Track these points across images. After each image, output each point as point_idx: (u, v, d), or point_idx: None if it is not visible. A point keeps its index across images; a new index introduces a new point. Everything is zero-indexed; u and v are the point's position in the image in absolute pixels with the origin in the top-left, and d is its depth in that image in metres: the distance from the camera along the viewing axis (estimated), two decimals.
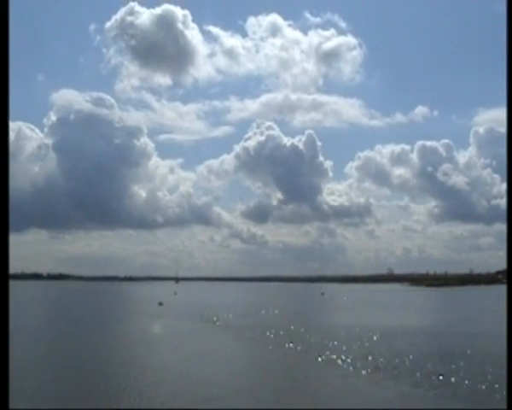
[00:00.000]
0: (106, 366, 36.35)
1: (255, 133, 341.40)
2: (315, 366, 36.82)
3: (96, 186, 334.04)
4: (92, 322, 69.20)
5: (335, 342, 46.21)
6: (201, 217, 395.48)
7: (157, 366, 37.01)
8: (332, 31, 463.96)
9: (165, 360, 39.57)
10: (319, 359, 38.86)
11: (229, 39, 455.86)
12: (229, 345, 48.53)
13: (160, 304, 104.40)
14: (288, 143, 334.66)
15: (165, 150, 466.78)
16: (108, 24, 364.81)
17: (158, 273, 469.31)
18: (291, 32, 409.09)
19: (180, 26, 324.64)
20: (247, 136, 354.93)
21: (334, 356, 39.28)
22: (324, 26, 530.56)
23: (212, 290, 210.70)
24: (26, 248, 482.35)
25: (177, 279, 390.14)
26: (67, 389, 29.84)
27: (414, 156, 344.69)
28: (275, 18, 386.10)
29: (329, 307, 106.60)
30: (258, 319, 70.94)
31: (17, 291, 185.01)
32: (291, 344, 45.65)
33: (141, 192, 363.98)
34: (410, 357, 38.56)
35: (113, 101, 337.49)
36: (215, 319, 71.03)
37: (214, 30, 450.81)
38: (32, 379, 31.73)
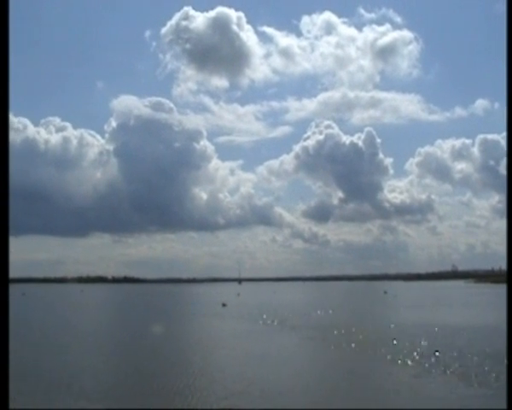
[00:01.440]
0: (168, 366, 36.98)
1: (314, 132, 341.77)
2: (382, 365, 36.47)
3: (158, 190, 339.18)
4: (157, 323, 70.24)
5: (400, 341, 45.90)
6: (263, 218, 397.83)
7: (219, 366, 37.57)
8: (387, 26, 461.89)
9: (228, 360, 40.03)
10: (386, 358, 38.62)
11: (284, 39, 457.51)
12: (290, 345, 48.65)
13: (224, 305, 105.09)
14: (348, 142, 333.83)
15: (225, 152, 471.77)
16: (164, 30, 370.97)
17: (220, 275, 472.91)
18: (346, 29, 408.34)
19: (235, 27, 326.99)
20: (306, 135, 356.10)
21: (401, 355, 38.94)
22: (379, 22, 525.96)
23: (275, 291, 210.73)
24: (90, 252, 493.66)
25: (239, 280, 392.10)
26: (130, 388, 30.55)
27: (475, 150, 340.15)
28: (329, 16, 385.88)
29: (392, 306, 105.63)
30: (321, 319, 70.93)
31: (84, 294, 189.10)
32: (353, 344, 45.59)
33: (202, 194, 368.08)
34: (479, 356, 37.99)
35: (172, 105, 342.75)
36: (277, 319, 71.23)
37: (269, 30, 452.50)
38: (95, 379, 32.59)
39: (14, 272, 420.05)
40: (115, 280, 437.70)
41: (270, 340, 51.86)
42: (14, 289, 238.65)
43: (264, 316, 76.10)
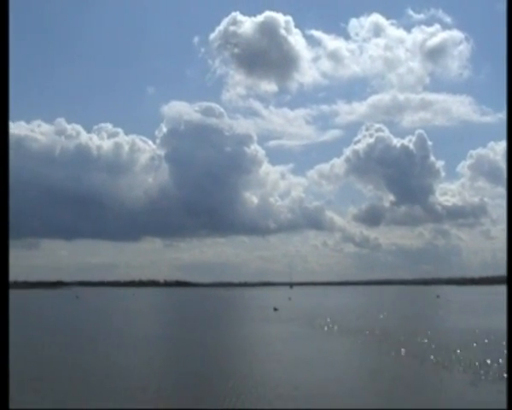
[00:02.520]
0: (218, 369, 37.04)
1: (364, 136, 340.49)
2: (433, 371, 35.80)
3: (209, 194, 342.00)
4: (209, 327, 70.60)
5: (453, 346, 45.21)
6: (314, 221, 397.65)
7: (267, 370, 37.57)
8: (436, 26, 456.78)
9: (276, 364, 39.79)
10: (437, 363, 38.04)
11: (333, 42, 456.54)
12: (340, 350, 48.48)
13: (275, 309, 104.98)
14: (398, 145, 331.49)
15: (276, 156, 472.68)
16: (212, 35, 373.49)
17: (272, 279, 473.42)
18: (394, 31, 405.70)
19: (283, 31, 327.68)
20: (356, 139, 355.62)
21: (453, 361, 38.38)
22: (428, 22, 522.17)
23: (327, 295, 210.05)
24: (141, 257, 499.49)
25: (291, 284, 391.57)
26: (182, 389, 30.75)
27: None
28: (377, 18, 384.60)
29: (445, 310, 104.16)
30: (372, 323, 70.34)
31: (136, 298, 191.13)
32: (404, 349, 45.08)
33: (253, 198, 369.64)
34: None
35: (222, 110, 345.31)
36: (329, 323, 70.95)
37: (317, 34, 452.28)
38: (149, 380, 32.91)
39: (67, 276, 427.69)
40: (167, 284, 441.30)
41: (320, 344, 51.66)
42: (67, 292, 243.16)
43: (316, 320, 75.84)
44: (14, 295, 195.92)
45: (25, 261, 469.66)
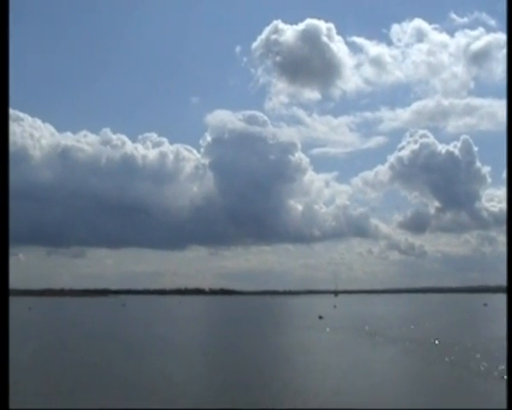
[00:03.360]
0: (261, 378, 37.10)
1: (409, 142, 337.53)
2: (477, 382, 35.35)
3: (253, 202, 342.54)
4: (254, 335, 70.73)
5: (501, 357, 44.53)
6: (358, 229, 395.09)
7: (310, 377, 37.81)
8: (480, 30, 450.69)
9: (320, 372, 39.83)
10: (483, 374, 37.51)
11: (375, 48, 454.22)
12: (384, 358, 48.12)
13: (320, 317, 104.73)
14: (443, 150, 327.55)
15: (320, 164, 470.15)
16: (254, 44, 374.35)
17: (316, 287, 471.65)
18: (437, 36, 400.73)
19: (325, 39, 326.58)
20: (400, 145, 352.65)
21: (502, 372, 37.67)
22: (472, 26, 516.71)
23: (372, 303, 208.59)
24: (187, 265, 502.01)
25: (336, 292, 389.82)
26: (227, 393, 31.02)
27: None
28: (419, 23, 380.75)
29: (493, 319, 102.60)
30: (417, 332, 69.75)
31: (181, 306, 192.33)
32: (447, 358, 44.60)
33: (297, 206, 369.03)
34: None
35: (266, 118, 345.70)
36: (374, 331, 70.55)
37: (359, 40, 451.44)
38: (199, 387, 33.20)
39: (114, 284, 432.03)
40: (212, 292, 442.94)
41: (366, 353, 51.47)
42: (114, 301, 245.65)
43: (361, 329, 75.50)
44: (61, 303, 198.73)
45: (71, 270, 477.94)
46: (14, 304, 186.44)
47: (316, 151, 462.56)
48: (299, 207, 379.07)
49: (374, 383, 35.27)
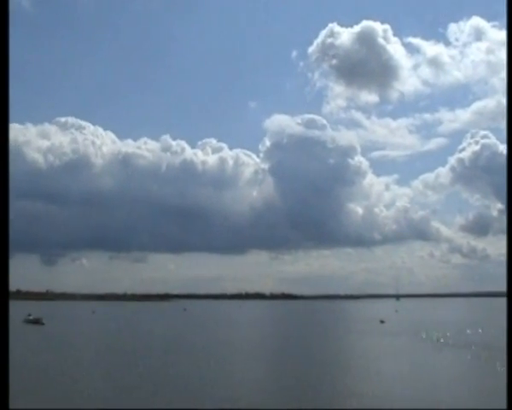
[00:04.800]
0: (322, 384, 36.88)
1: (470, 143, 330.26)
2: None
3: (313, 206, 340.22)
4: (315, 340, 70.43)
5: None
6: (419, 232, 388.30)
7: (369, 381, 37.34)
8: None
9: (378, 376, 39.56)
10: None
11: (432, 49, 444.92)
12: (446, 364, 47.46)
13: (382, 322, 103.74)
14: (506, 151, 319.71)
15: (380, 167, 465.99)
16: (310, 49, 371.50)
17: (378, 291, 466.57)
18: (496, 33, 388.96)
19: (381, 40, 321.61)
20: (461, 147, 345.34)
21: None
22: None
23: (435, 307, 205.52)
24: (247, 269, 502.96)
25: (397, 296, 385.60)
26: (289, 392, 30.93)
27: None
28: (477, 21, 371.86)
29: None
30: (481, 337, 68.31)
31: (242, 310, 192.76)
32: None
33: (357, 210, 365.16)
34: None
35: (324, 122, 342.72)
36: (436, 336, 69.41)
37: (415, 41, 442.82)
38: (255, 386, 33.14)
39: (175, 289, 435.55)
40: (273, 297, 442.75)
41: (427, 357, 50.72)
42: (175, 305, 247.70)
43: (424, 333, 74.35)
44: (123, 307, 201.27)
45: (133, 274, 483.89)
46: (78, 308, 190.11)
47: (375, 154, 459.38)
48: (360, 211, 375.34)
49: (435, 389, 34.70)
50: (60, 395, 32.67)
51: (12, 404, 17.88)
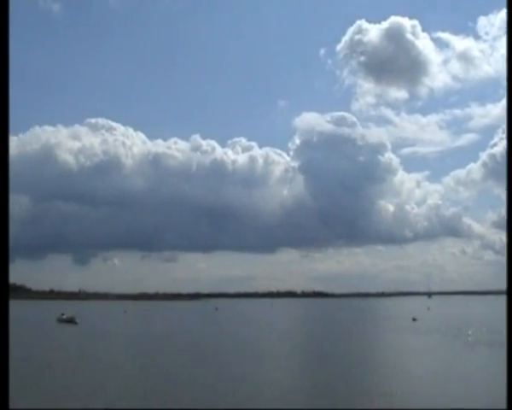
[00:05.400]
0: (355, 384, 36.90)
1: (502, 138, 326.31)
2: None
3: (343, 204, 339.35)
4: (348, 338, 70.30)
5: None
6: (451, 229, 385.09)
7: (399, 380, 37.51)
8: None
9: (412, 373, 39.43)
10: None
11: (462, 43, 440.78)
12: (479, 364, 47.04)
13: (414, 320, 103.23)
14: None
15: (410, 164, 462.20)
16: (338, 46, 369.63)
17: (409, 288, 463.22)
18: None
19: (410, 36, 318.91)
20: (492, 142, 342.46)
21: None
22: None
23: (467, 305, 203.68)
24: (278, 268, 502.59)
25: (429, 294, 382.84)
26: (322, 388, 31.02)
27: None
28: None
29: None
30: None
31: (274, 309, 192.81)
32: None
33: (388, 207, 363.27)
34: None
35: (354, 119, 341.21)
36: (469, 335, 68.91)
37: (444, 35, 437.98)
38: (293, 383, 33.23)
39: (207, 288, 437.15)
40: (304, 295, 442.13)
41: (459, 356, 50.38)
42: (206, 304, 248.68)
43: (457, 332, 73.89)
44: (154, 306, 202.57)
45: (164, 274, 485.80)
46: (110, 307, 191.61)
47: (406, 151, 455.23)
48: (390, 208, 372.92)
49: (465, 388, 34.59)
50: (90, 393, 33.08)
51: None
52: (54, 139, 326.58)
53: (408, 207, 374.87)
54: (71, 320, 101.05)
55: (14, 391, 33.64)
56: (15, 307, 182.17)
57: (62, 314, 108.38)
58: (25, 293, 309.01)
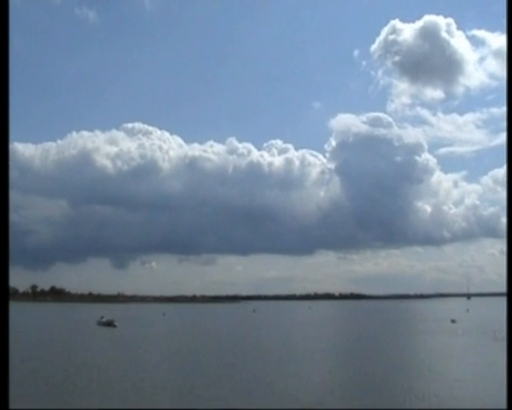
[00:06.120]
0: (395, 385, 36.82)
1: None
2: None
3: (380, 205, 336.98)
4: (387, 339, 70.12)
5: None
6: (490, 229, 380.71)
7: (444, 379, 37.43)
8: None
9: (449, 375, 39.26)
10: None
11: (498, 40, 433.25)
12: None
13: (453, 321, 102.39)
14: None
15: (447, 164, 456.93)
16: (373, 47, 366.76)
17: (448, 290, 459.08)
18: None
19: (444, 35, 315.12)
20: None
21: None
22: None
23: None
24: (316, 270, 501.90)
25: (468, 295, 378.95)
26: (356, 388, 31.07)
27: None
28: None
29: None
30: None
31: (312, 311, 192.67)
32: None
33: (425, 208, 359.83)
34: None
35: (390, 119, 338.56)
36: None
37: (480, 33, 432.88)
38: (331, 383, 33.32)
39: (245, 290, 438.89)
40: (342, 297, 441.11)
41: (497, 358, 49.75)
42: (244, 306, 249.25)
43: (495, 333, 73.01)
44: (192, 309, 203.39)
45: (202, 277, 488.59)
46: (149, 310, 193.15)
47: (443, 151, 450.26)
48: (428, 209, 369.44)
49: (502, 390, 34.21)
50: (125, 395, 33.52)
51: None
52: (91, 144, 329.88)
53: (445, 207, 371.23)
54: (110, 323, 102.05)
55: (51, 390, 34.56)
56: (56, 310, 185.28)
57: (102, 317, 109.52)
58: (64, 296, 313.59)
